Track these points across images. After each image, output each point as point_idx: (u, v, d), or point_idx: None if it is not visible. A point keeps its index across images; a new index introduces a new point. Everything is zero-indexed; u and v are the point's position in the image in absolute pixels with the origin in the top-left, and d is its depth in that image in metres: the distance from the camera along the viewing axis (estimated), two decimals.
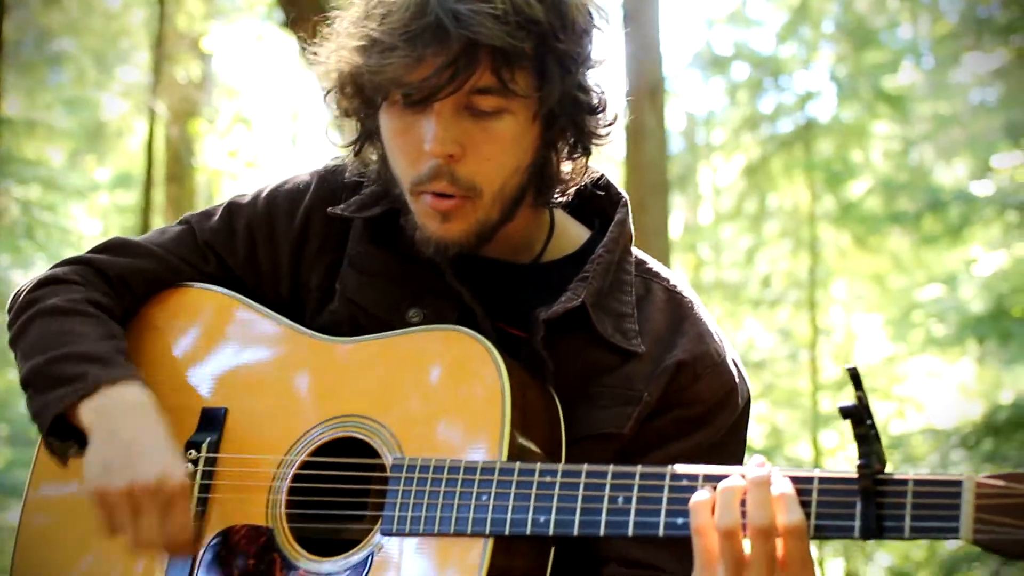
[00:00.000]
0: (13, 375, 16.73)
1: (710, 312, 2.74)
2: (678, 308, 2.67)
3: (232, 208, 2.82)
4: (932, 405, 17.31)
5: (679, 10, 31.18)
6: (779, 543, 2.13)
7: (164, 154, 15.77)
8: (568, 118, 2.51)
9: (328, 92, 2.59)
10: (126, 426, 2.51)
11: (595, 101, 2.52)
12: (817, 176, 16.92)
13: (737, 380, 2.64)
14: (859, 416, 2.09)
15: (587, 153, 2.59)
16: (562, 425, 2.51)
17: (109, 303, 2.74)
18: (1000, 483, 2.03)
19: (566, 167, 2.59)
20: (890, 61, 17.37)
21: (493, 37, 2.33)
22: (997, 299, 12.32)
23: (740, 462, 2.64)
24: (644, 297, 2.66)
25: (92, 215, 19.55)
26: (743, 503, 2.14)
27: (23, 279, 2.77)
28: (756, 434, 17.88)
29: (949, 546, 11.86)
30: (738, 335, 18.83)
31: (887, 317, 18.07)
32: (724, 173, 18.56)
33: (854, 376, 2.10)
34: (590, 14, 2.50)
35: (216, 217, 2.82)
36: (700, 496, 2.17)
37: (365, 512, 2.51)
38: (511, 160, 2.49)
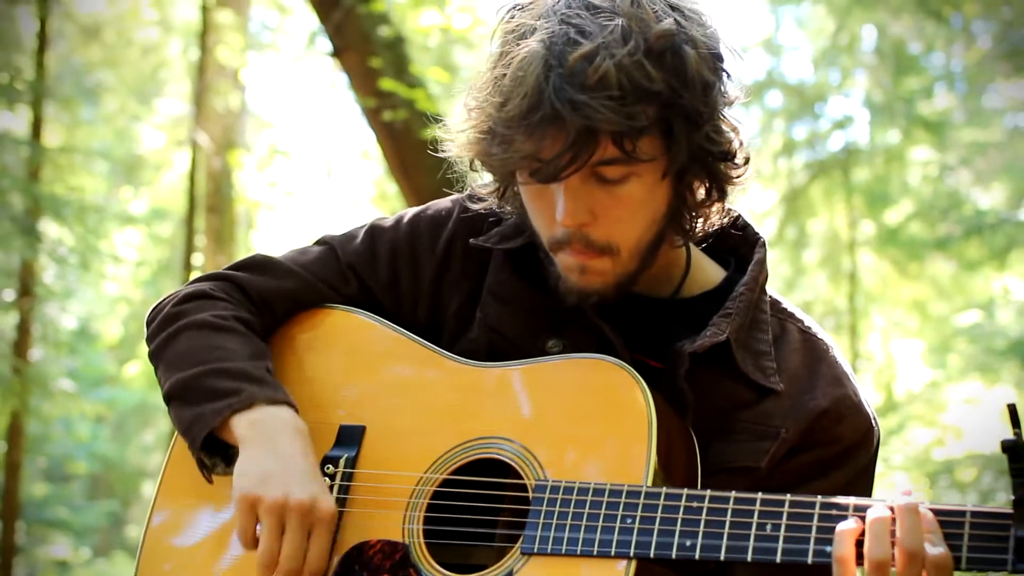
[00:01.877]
0: (50, 408, 16.76)
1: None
2: (814, 350, 2.69)
3: (375, 231, 2.84)
4: (972, 430, 17.21)
5: None
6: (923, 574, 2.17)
7: (205, 185, 15.80)
8: (700, 167, 2.51)
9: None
10: (284, 443, 2.56)
11: (727, 147, 2.52)
12: (856, 202, 16.87)
13: (873, 420, 2.66)
14: (1018, 452, 2.13)
15: (722, 197, 2.59)
16: (698, 457, 2.54)
17: (255, 322, 2.78)
18: None
19: (702, 210, 2.60)
20: (925, 87, 17.33)
21: (611, 122, 2.35)
22: None
23: None
24: (780, 337, 2.69)
25: (130, 248, 19.61)
26: (892, 533, 2.18)
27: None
28: None
29: None
30: None
31: (928, 344, 17.98)
32: (762, 201, 18.50)
33: (1013, 413, 2.13)
34: (715, 59, 2.48)
35: (358, 240, 2.83)
36: (846, 525, 2.22)
37: (496, 531, 2.53)
38: (644, 218, 2.51)
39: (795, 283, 17.74)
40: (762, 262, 2.69)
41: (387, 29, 9.30)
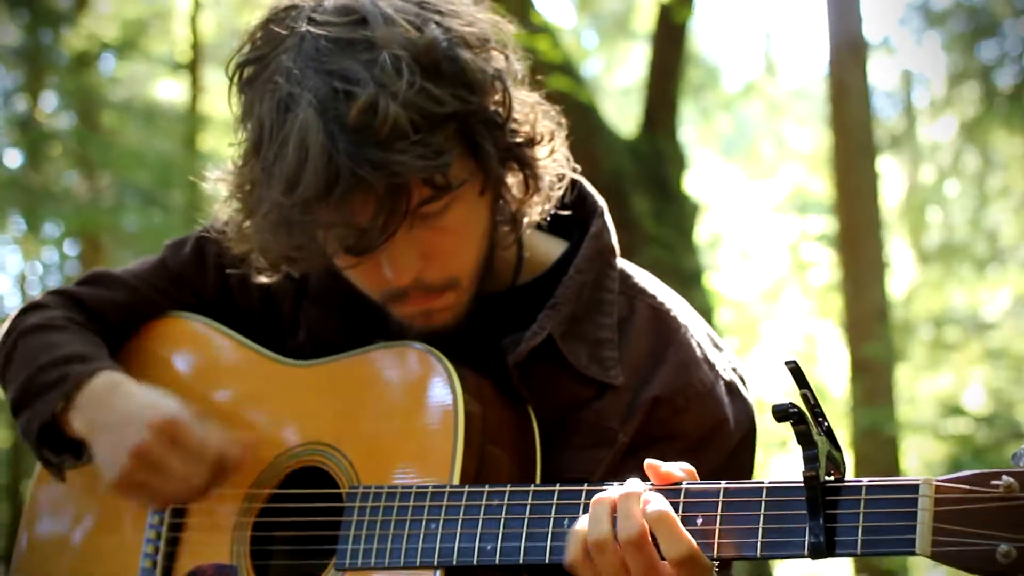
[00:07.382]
0: None
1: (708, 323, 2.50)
2: (663, 330, 2.41)
3: (202, 239, 2.68)
4: None
5: None
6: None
7: None
8: (512, 162, 2.30)
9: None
10: (107, 415, 2.42)
11: (531, 131, 2.29)
12: None
13: (728, 410, 2.38)
14: (797, 417, 1.81)
15: (539, 184, 2.34)
16: (537, 447, 2.31)
17: (89, 328, 2.66)
18: (964, 485, 1.72)
19: (525, 202, 2.37)
20: None
21: (420, 168, 2.10)
22: None
23: None
24: (628, 318, 2.42)
25: None
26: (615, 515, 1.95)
27: None
28: (981, 401, 17.28)
29: None
30: (964, 297, 18.21)
31: None
32: (943, 129, 17.84)
33: (795, 371, 1.82)
34: (487, 45, 2.23)
35: (187, 248, 2.71)
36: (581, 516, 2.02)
37: (331, 546, 2.35)
38: (474, 237, 2.31)
39: (980, 213, 17.19)
40: (599, 235, 2.44)
41: None
